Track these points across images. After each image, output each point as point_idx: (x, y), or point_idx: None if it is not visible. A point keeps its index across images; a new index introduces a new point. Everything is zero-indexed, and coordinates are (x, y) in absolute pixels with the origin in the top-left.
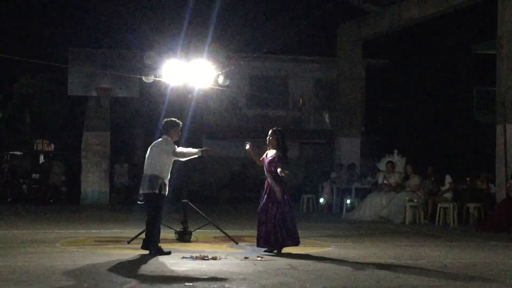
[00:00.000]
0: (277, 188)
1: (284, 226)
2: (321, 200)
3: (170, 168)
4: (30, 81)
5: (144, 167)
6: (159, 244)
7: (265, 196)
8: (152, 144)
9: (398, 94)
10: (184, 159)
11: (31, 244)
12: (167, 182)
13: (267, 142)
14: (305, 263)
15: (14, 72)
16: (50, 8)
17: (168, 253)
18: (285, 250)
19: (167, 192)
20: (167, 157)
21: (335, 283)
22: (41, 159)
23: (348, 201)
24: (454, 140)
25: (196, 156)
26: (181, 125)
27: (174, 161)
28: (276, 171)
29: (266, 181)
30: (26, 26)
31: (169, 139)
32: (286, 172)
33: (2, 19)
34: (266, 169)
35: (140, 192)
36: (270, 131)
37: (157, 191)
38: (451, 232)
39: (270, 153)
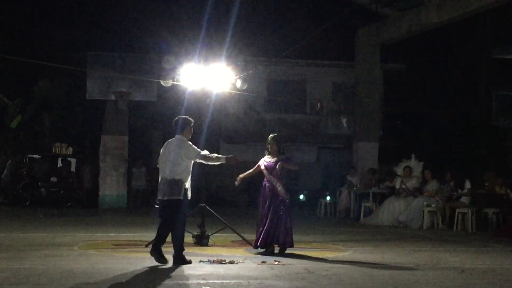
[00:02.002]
0: (280, 189)
1: (285, 225)
2: (301, 196)
3: (191, 171)
4: (49, 85)
5: (162, 170)
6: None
7: (269, 198)
8: (166, 144)
9: (416, 99)
10: (208, 163)
11: (49, 247)
12: (189, 186)
13: (268, 148)
14: (322, 267)
15: (33, 76)
16: (69, 12)
17: (189, 262)
18: (302, 252)
19: (189, 197)
20: (189, 160)
21: (352, 287)
22: (59, 162)
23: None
24: (473, 145)
25: (220, 162)
26: (193, 123)
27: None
28: (282, 173)
29: (266, 186)
30: (45, 30)
31: (185, 139)
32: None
33: (21, 24)
34: (270, 173)
35: (160, 198)
36: (269, 138)
37: (181, 197)
38: (469, 238)
39: (272, 158)
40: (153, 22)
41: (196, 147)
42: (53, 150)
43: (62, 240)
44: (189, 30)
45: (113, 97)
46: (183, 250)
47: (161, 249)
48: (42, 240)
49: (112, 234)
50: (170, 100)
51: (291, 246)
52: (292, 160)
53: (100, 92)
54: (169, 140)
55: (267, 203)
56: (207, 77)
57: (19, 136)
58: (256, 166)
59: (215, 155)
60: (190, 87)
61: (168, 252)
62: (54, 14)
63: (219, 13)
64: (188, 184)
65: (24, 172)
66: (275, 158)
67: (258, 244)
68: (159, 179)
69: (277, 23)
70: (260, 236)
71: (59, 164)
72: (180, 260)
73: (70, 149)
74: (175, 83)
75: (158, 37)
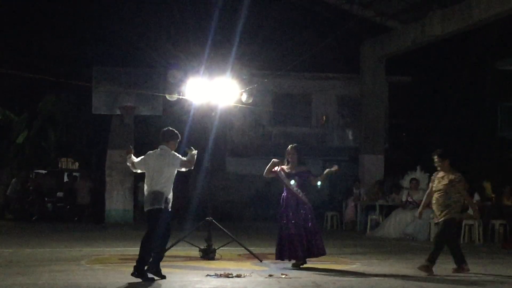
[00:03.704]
0: (304, 196)
1: (314, 237)
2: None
3: (173, 182)
4: (55, 100)
5: (147, 182)
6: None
7: (293, 209)
8: (149, 156)
9: (421, 111)
10: (188, 168)
11: (56, 262)
12: (171, 197)
13: (288, 158)
14: (329, 280)
15: (39, 91)
16: (74, 27)
17: (149, 279)
18: (309, 265)
19: (170, 207)
20: (173, 170)
21: None
22: (65, 177)
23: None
24: (478, 156)
25: (194, 157)
26: (179, 139)
27: (189, 176)
28: (304, 183)
29: (288, 197)
30: (50, 45)
31: (169, 149)
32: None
33: (27, 39)
34: (293, 183)
35: (147, 208)
36: (290, 148)
37: (162, 206)
38: (476, 249)
39: (292, 168)
40: (158, 36)
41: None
42: (59, 165)
43: (69, 255)
44: (195, 44)
45: (118, 112)
46: (146, 264)
47: (158, 265)
48: (49, 255)
49: (119, 249)
50: (176, 114)
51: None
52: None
53: (106, 106)
54: (150, 152)
55: (291, 214)
56: (213, 91)
57: (25, 152)
58: (273, 170)
59: (187, 156)
60: (196, 101)
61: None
62: (60, 29)
63: (224, 27)
64: (170, 195)
65: (31, 188)
66: (295, 168)
67: (290, 258)
68: (145, 191)
69: (282, 36)
70: (292, 248)
71: (65, 179)
72: (140, 273)
73: (76, 163)
74: (180, 97)
75: (163, 51)
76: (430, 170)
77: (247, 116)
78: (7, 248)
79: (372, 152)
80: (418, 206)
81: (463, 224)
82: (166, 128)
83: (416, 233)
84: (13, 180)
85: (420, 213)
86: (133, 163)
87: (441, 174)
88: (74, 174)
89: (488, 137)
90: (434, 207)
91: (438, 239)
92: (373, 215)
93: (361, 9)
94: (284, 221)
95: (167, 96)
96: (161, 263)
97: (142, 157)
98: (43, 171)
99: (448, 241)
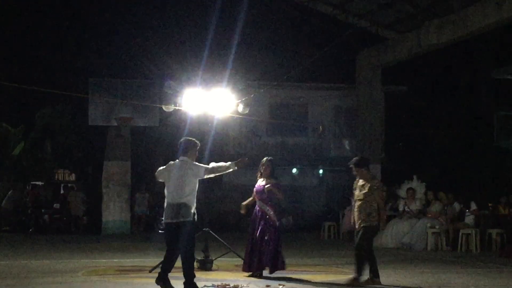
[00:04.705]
0: (271, 213)
1: (276, 249)
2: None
3: (196, 194)
4: (51, 111)
5: (169, 194)
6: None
7: (261, 222)
8: (170, 167)
9: (418, 120)
10: (218, 175)
11: (53, 273)
12: (195, 211)
13: (261, 171)
14: None
15: (36, 103)
16: (70, 38)
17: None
18: (306, 276)
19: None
20: (195, 181)
21: None
22: (61, 189)
23: None
24: (475, 165)
25: (231, 170)
26: (198, 146)
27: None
28: (270, 197)
29: (257, 211)
30: (46, 56)
31: (190, 160)
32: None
33: (23, 50)
34: (259, 198)
35: (169, 221)
36: (265, 160)
37: (191, 219)
38: (473, 259)
39: (262, 182)
40: (155, 47)
41: (201, 164)
42: (56, 177)
43: (65, 267)
44: (191, 55)
45: (115, 123)
46: (195, 276)
47: (168, 278)
48: (46, 267)
49: (115, 260)
50: (172, 125)
51: (282, 269)
52: (281, 188)
53: (102, 118)
54: (171, 163)
55: (258, 228)
56: (209, 101)
57: (22, 163)
58: (249, 202)
59: (223, 163)
60: (192, 112)
61: (174, 278)
62: (56, 41)
63: (221, 38)
64: (194, 208)
65: (28, 199)
66: (264, 182)
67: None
68: (165, 203)
69: (278, 47)
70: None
71: (62, 190)
72: (191, 287)
73: (73, 175)
74: (177, 108)
75: (159, 62)
76: (427, 179)
77: (243, 126)
78: (3, 260)
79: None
80: (414, 215)
81: (460, 233)
82: (183, 139)
83: (413, 242)
84: (10, 192)
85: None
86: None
87: (361, 182)
88: (68, 185)
89: (484, 146)
90: (355, 215)
91: (359, 248)
92: None
93: (357, 19)
94: (250, 234)
95: (164, 107)
96: (155, 275)
97: (164, 167)
98: (40, 183)
99: (366, 249)
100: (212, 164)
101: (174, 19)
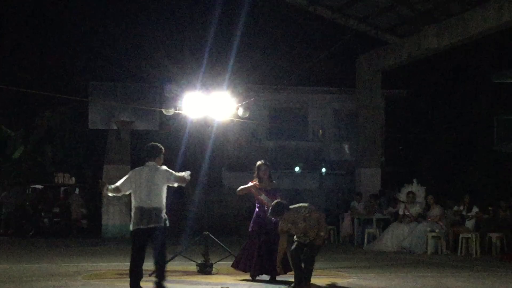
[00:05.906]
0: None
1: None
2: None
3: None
4: (51, 115)
5: (139, 199)
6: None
7: (269, 228)
8: (136, 174)
9: (418, 124)
10: (181, 184)
11: (53, 277)
12: (166, 215)
13: (260, 174)
14: None
15: (35, 106)
16: (71, 42)
17: None
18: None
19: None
20: (165, 186)
21: None
22: (61, 192)
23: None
24: (475, 169)
25: (189, 177)
26: (163, 152)
27: (185, 191)
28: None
29: (262, 215)
30: (47, 60)
31: (157, 165)
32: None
33: (23, 53)
34: (267, 204)
35: (141, 227)
36: (261, 164)
37: (163, 224)
38: (473, 263)
39: (267, 184)
40: (155, 51)
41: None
42: (56, 180)
43: (65, 270)
44: (191, 59)
45: (115, 127)
46: (165, 280)
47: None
48: (46, 271)
49: (115, 264)
50: (173, 129)
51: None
52: (280, 193)
53: (102, 121)
54: (136, 169)
55: (264, 233)
56: (209, 105)
57: (22, 167)
58: (249, 188)
59: (181, 173)
60: (192, 116)
61: (173, 282)
62: (56, 44)
63: (221, 41)
64: (164, 212)
65: (27, 203)
66: (269, 185)
67: (248, 270)
68: (133, 209)
69: (278, 50)
70: (252, 263)
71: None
72: None
73: (73, 178)
74: (177, 111)
75: (159, 66)
76: (427, 183)
77: (243, 130)
78: (3, 264)
79: (368, 165)
80: (414, 219)
81: (460, 237)
82: (151, 144)
83: (413, 246)
84: (3, 193)
85: None
86: (115, 188)
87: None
88: (67, 189)
89: (484, 150)
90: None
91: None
92: (370, 228)
93: (357, 23)
94: (255, 238)
95: (164, 111)
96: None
97: (126, 177)
98: (40, 186)
99: (294, 257)
100: (180, 174)
101: (174, 23)
